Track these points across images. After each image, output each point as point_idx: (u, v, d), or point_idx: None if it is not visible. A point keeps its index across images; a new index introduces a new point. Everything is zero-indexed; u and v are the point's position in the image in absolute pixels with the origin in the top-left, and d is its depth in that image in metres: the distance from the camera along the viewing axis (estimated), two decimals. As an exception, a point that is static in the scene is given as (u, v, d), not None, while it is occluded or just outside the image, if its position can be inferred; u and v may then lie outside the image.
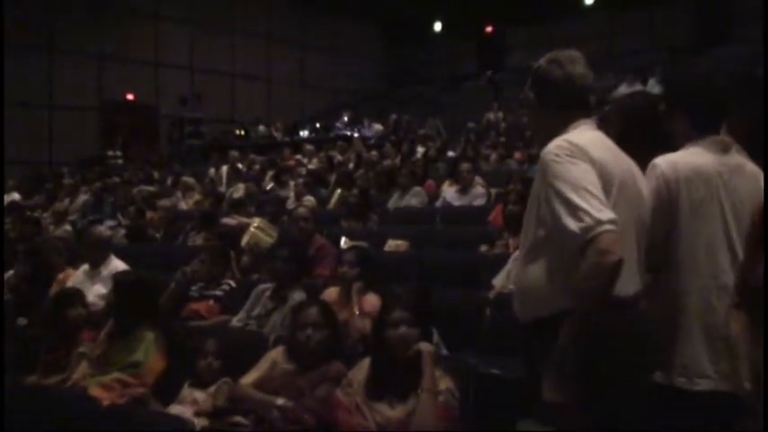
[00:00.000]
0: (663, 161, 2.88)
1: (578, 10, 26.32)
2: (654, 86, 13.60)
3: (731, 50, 19.08)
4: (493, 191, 9.53)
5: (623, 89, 15.54)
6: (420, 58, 30.89)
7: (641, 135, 3.19)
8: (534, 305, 2.55)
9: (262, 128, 23.74)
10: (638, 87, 15.14)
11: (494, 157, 13.38)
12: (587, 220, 2.33)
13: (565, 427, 2.32)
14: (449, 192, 9.58)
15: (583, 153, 2.49)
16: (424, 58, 30.76)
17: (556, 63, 2.75)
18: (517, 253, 5.70)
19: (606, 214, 2.35)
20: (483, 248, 6.72)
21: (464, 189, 9.34)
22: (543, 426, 2.37)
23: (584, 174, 2.44)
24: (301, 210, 7.19)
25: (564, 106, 2.72)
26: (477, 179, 9.79)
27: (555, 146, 2.53)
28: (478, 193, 9.31)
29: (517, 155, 13.00)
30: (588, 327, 2.32)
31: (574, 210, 2.37)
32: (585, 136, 2.61)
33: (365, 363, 3.53)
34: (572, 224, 2.36)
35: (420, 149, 15.35)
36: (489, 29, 29.36)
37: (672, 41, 22.32)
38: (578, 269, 2.32)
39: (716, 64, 15.48)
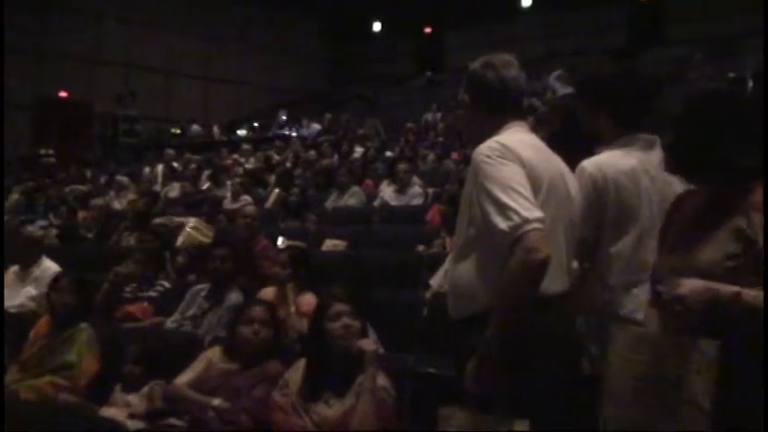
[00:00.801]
0: (589, 164, 2.94)
1: (516, 12, 26.61)
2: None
3: (665, 52, 19.50)
4: (430, 191, 9.57)
5: (560, 90, 15.79)
6: (360, 57, 30.90)
7: (577, 136, 3.24)
8: (465, 303, 2.58)
9: (196, 126, 23.46)
10: (572, 88, 15.38)
11: (431, 157, 13.44)
12: (515, 218, 2.38)
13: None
14: (387, 191, 9.59)
15: (513, 154, 2.53)
16: (363, 58, 30.78)
17: (490, 66, 2.80)
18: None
19: (534, 213, 2.39)
20: (420, 248, 6.75)
21: (402, 189, 9.36)
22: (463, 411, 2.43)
23: (513, 174, 2.49)
24: (249, 208, 7.15)
25: (496, 109, 2.76)
26: (415, 179, 9.82)
27: (486, 147, 2.57)
28: (416, 193, 9.35)
29: (454, 155, 13.07)
30: (514, 322, 2.36)
31: (503, 209, 2.42)
32: (516, 137, 2.65)
33: (301, 363, 3.52)
34: (501, 223, 2.40)
35: (359, 149, 15.35)
36: (428, 30, 29.49)
37: (607, 44, 22.72)
38: (506, 266, 2.37)
39: (647, 65, 15.83)
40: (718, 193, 2.28)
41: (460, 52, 26.00)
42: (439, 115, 18.63)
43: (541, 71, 19.39)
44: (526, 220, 2.37)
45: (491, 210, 2.44)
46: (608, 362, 2.26)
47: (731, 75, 13.71)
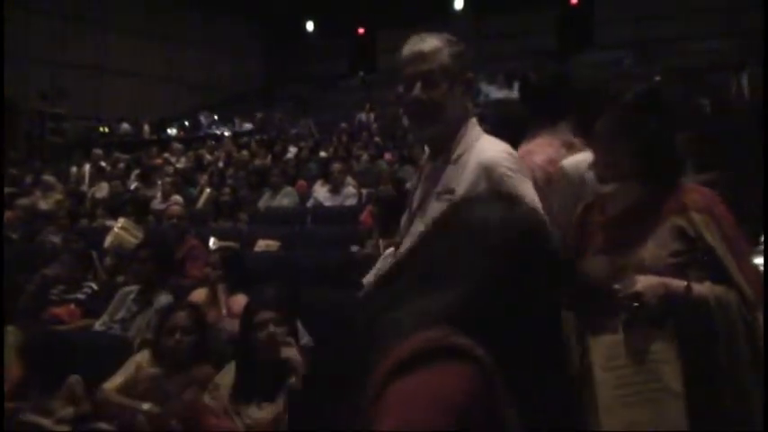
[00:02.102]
0: (568, 164, 2.95)
1: (448, 14, 26.80)
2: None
3: (594, 56, 19.87)
4: (364, 191, 9.58)
5: (493, 93, 15.96)
6: (293, 57, 30.78)
7: (511, 137, 3.28)
8: None
9: (125, 125, 23.07)
10: (505, 91, 15.58)
11: (365, 157, 13.45)
12: None
13: None
14: (320, 192, 9.57)
15: (524, 168, 2.54)
16: (297, 58, 30.67)
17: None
18: (389, 251, 5.76)
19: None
20: (354, 248, 6.73)
21: (335, 189, 9.35)
22: None
23: (533, 189, 2.47)
24: (175, 208, 7.05)
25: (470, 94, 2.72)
26: (349, 179, 9.82)
27: (503, 155, 2.50)
28: (350, 194, 9.35)
29: (388, 156, 13.11)
30: None
31: None
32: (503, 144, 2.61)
33: (233, 366, 3.48)
34: None
35: (292, 149, 15.28)
36: (361, 30, 29.53)
37: (538, 47, 23.04)
38: None
39: (577, 68, 16.09)
40: (653, 193, 2.30)
41: (393, 53, 26.06)
42: (372, 116, 18.67)
43: (475, 73, 19.52)
44: None
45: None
46: (591, 376, 2.26)
47: (657, 78, 14.03)
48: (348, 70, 28.04)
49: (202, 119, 22.69)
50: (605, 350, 2.22)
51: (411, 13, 25.65)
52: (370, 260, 5.96)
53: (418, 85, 2.50)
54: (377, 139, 15.68)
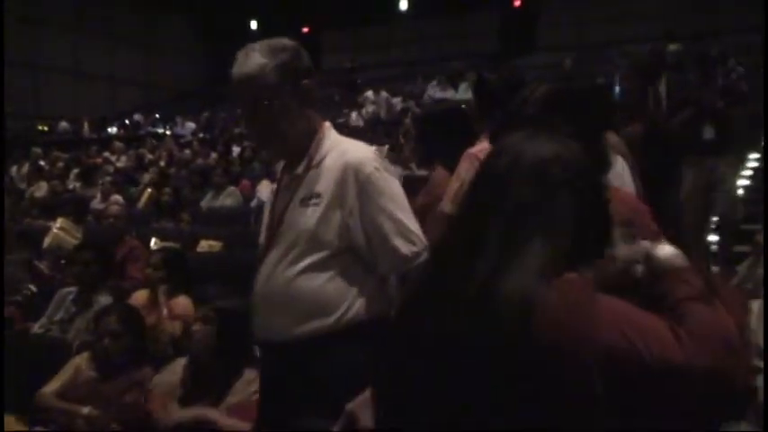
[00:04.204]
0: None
1: (392, 15, 26.87)
2: (466, 91, 14.08)
3: (536, 59, 20.09)
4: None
5: (437, 94, 16.03)
6: (236, 56, 30.54)
7: (449, 137, 3.31)
8: (325, 319, 2.35)
9: (64, 123, 22.66)
10: (450, 92, 15.67)
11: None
12: (418, 245, 2.34)
13: None
14: (264, 191, 9.51)
15: (391, 167, 2.47)
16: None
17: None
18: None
19: (424, 237, 2.37)
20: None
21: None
22: None
23: (402, 191, 2.41)
24: (114, 207, 6.94)
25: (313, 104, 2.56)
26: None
27: (369, 156, 2.43)
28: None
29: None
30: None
31: (405, 231, 2.35)
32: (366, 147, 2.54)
33: (178, 365, 3.46)
34: (404, 247, 2.33)
35: (236, 148, 15.18)
36: (305, 30, 29.43)
37: (481, 49, 23.23)
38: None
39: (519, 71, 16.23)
40: None
41: (337, 53, 26.11)
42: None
43: (417, 74, 19.67)
44: (425, 247, 2.32)
45: (390, 230, 2.33)
46: None
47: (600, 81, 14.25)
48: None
49: (144, 118, 22.39)
50: None
51: (355, 14, 25.70)
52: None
53: (249, 110, 2.40)
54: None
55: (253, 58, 2.39)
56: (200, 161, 13.47)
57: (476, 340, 1.29)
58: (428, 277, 1.51)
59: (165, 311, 4.64)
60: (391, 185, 2.39)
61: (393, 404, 1.45)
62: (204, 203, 9.77)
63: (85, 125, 22.56)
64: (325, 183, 2.38)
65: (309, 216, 2.38)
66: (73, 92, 26.22)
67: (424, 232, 2.43)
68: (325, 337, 2.34)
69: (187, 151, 14.92)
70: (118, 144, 17.02)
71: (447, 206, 2.98)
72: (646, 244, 1.48)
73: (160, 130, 20.63)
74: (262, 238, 2.60)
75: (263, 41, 2.46)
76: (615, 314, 1.29)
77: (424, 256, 2.30)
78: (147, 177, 12.33)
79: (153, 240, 6.73)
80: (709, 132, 6.58)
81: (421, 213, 3.14)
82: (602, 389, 1.23)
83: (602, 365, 1.23)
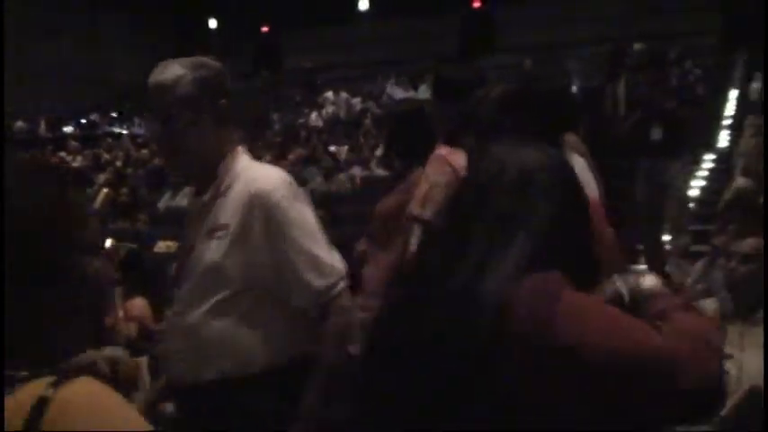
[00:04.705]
0: None
1: (353, 15, 26.85)
2: (425, 92, 14.12)
3: (496, 60, 20.18)
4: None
5: (397, 94, 16.05)
6: (195, 54, 30.28)
7: (428, 137, 3.29)
8: (234, 362, 2.23)
9: (20, 123, 22.28)
10: (411, 92, 15.70)
11: (268, 157, 13.34)
12: (332, 276, 2.23)
13: None
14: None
15: (301, 193, 2.34)
16: (199, 56, 30.19)
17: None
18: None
19: (341, 264, 2.28)
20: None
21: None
22: None
23: (314, 217, 2.29)
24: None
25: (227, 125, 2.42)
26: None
27: (280, 181, 2.29)
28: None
29: (291, 156, 13.03)
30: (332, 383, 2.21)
31: (317, 264, 2.22)
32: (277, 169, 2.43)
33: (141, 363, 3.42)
34: (317, 281, 2.21)
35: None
36: (265, 29, 29.29)
37: (441, 50, 23.28)
38: (326, 328, 2.22)
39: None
40: None
41: (297, 53, 26.02)
42: (276, 115, 18.56)
43: (377, 75, 19.67)
44: (341, 276, 2.24)
45: (302, 264, 2.19)
46: None
47: (559, 81, 14.37)
48: (252, 69, 27.74)
49: (100, 117, 22.10)
50: None
51: (316, 14, 25.63)
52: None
53: (161, 120, 2.28)
54: (279, 139, 15.58)
55: (171, 69, 2.32)
56: (157, 161, 13.32)
57: (455, 343, 1.30)
58: (411, 284, 1.51)
59: (120, 313, 4.58)
60: (302, 214, 2.24)
61: (376, 409, 1.45)
62: (161, 204, 9.67)
63: (42, 124, 22.21)
64: (231, 213, 2.24)
65: (215, 250, 2.23)
66: (29, 90, 25.80)
67: (398, 232, 2.39)
68: (230, 383, 2.20)
69: (144, 151, 14.75)
70: (74, 144, 16.79)
71: (416, 209, 2.94)
72: (631, 278, 1.51)
73: (117, 130, 20.38)
74: (173, 267, 2.46)
75: (187, 58, 2.41)
76: (589, 308, 1.31)
77: (341, 285, 2.22)
78: (103, 177, 12.18)
79: (109, 241, 6.63)
80: (657, 133, 6.64)
81: (396, 213, 3.12)
82: (572, 381, 1.24)
83: (572, 358, 1.24)
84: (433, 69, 15.49)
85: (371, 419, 1.46)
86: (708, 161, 9.94)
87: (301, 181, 8.89)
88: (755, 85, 12.34)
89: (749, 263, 3.47)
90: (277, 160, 13.07)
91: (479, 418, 1.28)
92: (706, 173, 9.63)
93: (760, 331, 3.43)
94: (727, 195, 6.45)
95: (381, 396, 1.43)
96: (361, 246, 4.70)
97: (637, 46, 10.46)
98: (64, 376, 1.03)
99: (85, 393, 1.03)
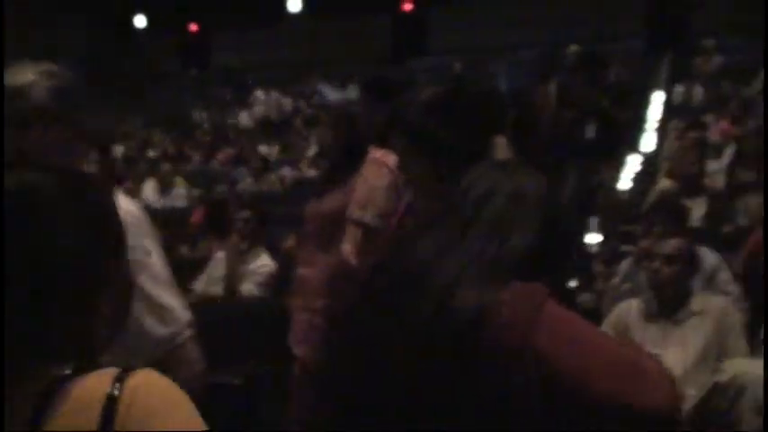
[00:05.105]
0: None
1: (283, 15, 26.67)
2: (353, 92, 14.11)
3: (427, 62, 20.30)
4: (196, 192, 9.38)
5: (329, 95, 16.01)
6: (122, 52, 29.74)
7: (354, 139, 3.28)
8: None
9: None
10: (342, 93, 15.68)
11: (197, 157, 13.17)
12: (176, 324, 2.10)
13: None
14: (149, 192, 9.28)
15: (150, 229, 2.18)
16: (127, 54, 29.65)
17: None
18: (221, 254, 5.66)
19: (186, 313, 2.15)
20: (184, 250, 6.57)
21: (165, 189, 9.10)
22: None
23: (162, 259, 2.14)
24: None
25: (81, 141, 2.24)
26: (180, 179, 9.59)
27: (129, 217, 1.98)
28: (180, 194, 9.12)
29: (220, 156, 12.89)
30: None
31: (160, 310, 2.07)
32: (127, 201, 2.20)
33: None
34: (158, 329, 2.06)
35: (119, 148, 14.75)
36: (194, 27, 28.91)
37: (373, 51, 23.29)
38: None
39: (411, 74, 16.41)
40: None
41: (227, 52, 25.79)
42: (205, 114, 18.34)
43: (308, 75, 19.59)
44: (186, 325, 2.11)
45: (142, 308, 1.99)
46: None
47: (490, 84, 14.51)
48: (180, 67, 27.35)
49: None
50: None
51: (245, 13, 25.39)
52: (201, 262, 5.84)
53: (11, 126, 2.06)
54: (207, 138, 15.39)
55: (23, 74, 2.09)
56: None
57: (432, 345, 1.31)
58: (381, 287, 1.50)
59: None
60: (148, 255, 2.08)
61: (349, 417, 1.45)
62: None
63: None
64: None
65: None
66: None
67: (339, 235, 2.34)
68: None
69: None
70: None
71: (356, 211, 2.92)
72: None
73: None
74: None
75: (40, 64, 2.16)
76: (570, 323, 1.34)
77: (186, 335, 2.11)
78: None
79: None
80: (591, 131, 6.73)
81: (338, 214, 3.09)
82: (545, 390, 1.26)
83: (548, 368, 1.26)
84: (362, 70, 15.50)
85: (343, 421, 1.46)
86: (634, 163, 10.14)
87: (231, 181, 8.79)
88: (679, 89, 12.62)
89: (672, 264, 3.54)
90: (206, 160, 12.93)
91: (457, 419, 1.29)
92: (632, 174, 9.82)
93: (682, 330, 3.51)
94: (652, 197, 6.59)
95: (351, 399, 1.43)
96: (289, 242, 4.64)
97: (572, 47, 10.63)
98: (124, 371, 1.05)
99: (153, 385, 1.05)
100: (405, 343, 1.34)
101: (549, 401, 1.26)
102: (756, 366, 2.91)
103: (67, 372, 1.05)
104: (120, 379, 1.03)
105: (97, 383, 1.03)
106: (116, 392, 1.01)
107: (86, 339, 1.13)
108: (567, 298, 1.51)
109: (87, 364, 1.08)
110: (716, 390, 2.96)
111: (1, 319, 1.03)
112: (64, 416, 1.01)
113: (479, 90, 3.07)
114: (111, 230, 1.20)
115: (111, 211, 1.23)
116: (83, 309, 1.12)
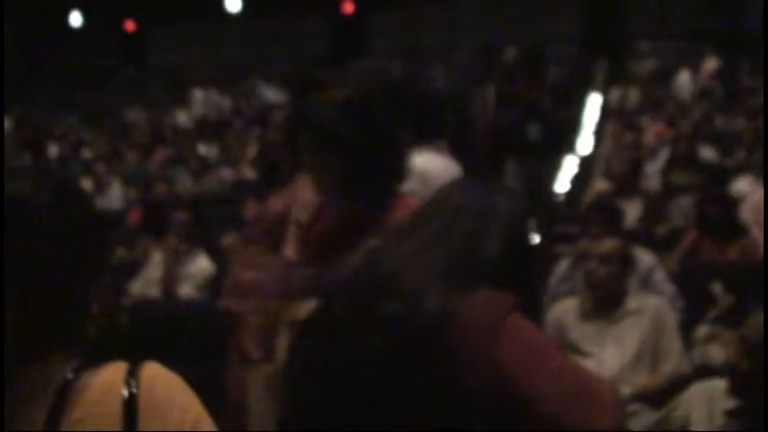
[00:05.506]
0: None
1: (222, 14, 26.43)
2: (294, 94, 14.04)
3: (366, 63, 20.33)
4: (132, 192, 9.25)
5: (269, 96, 15.92)
6: (58, 51, 29.16)
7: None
8: None
9: None
10: (281, 93, 15.59)
11: (134, 157, 12.96)
12: None
13: None
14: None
15: None
16: (62, 52, 29.07)
17: None
18: (158, 256, 5.58)
19: None
20: (120, 252, 6.46)
21: (100, 189, 8.97)
22: None
23: None
24: None
25: None
26: (115, 180, 9.46)
27: None
28: (116, 195, 9.00)
29: (158, 156, 12.71)
30: None
31: None
32: None
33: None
34: None
35: (53, 148, 14.46)
36: (132, 26, 28.49)
37: (312, 52, 23.24)
38: None
39: (350, 75, 16.42)
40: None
41: (165, 51, 25.48)
42: (142, 114, 18.10)
43: (247, 75, 19.46)
44: None
45: None
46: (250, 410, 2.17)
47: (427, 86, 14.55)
48: (117, 66, 26.92)
49: None
50: (265, 381, 2.21)
51: (184, 11, 25.11)
52: (138, 264, 5.77)
53: None
54: (144, 138, 15.16)
55: None
56: (13, 161, 12.74)
57: (395, 351, 1.32)
58: (344, 293, 1.51)
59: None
60: None
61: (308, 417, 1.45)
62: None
63: None
64: None
65: None
66: None
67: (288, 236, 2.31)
68: None
69: (0, 150, 14.09)
70: None
71: (299, 213, 2.90)
72: None
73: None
74: None
75: None
76: (525, 336, 1.34)
77: None
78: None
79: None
80: (534, 132, 6.78)
81: (284, 217, 3.06)
82: (493, 404, 1.27)
83: (496, 379, 1.27)
84: (302, 71, 15.43)
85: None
86: (570, 165, 10.27)
87: (168, 181, 8.68)
88: (615, 92, 12.85)
89: (608, 264, 3.59)
90: (142, 160, 12.73)
91: (412, 421, 1.30)
92: (569, 175, 9.94)
93: (618, 329, 3.57)
94: (588, 198, 6.69)
95: (311, 400, 1.43)
96: (227, 240, 4.59)
97: (510, 48, 10.70)
98: (133, 364, 1.11)
99: (163, 377, 1.11)
100: (366, 345, 1.35)
101: (500, 413, 1.27)
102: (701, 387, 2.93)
103: (75, 367, 1.09)
104: (132, 373, 1.08)
105: (111, 378, 1.08)
106: (134, 390, 1.06)
107: (81, 334, 1.17)
108: (535, 311, 1.52)
109: (92, 358, 1.12)
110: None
111: (1, 318, 1.06)
112: (82, 414, 1.04)
113: (410, 93, 3.06)
114: (94, 229, 1.24)
115: (93, 210, 1.30)
116: (76, 303, 1.15)
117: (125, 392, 1.06)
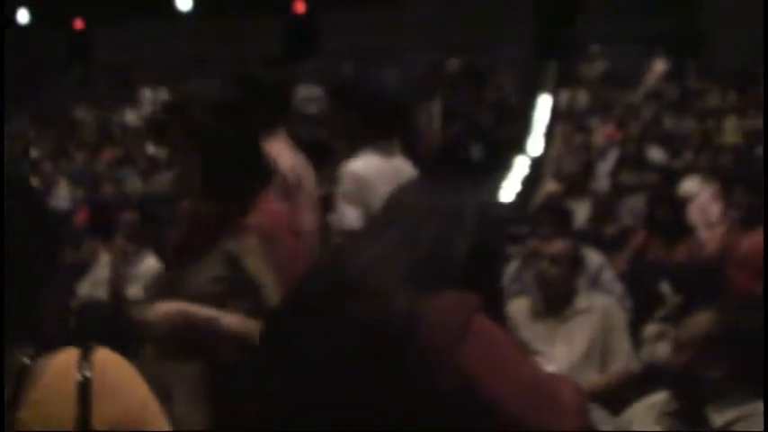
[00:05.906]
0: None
1: (170, 12, 26.15)
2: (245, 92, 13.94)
3: (317, 64, 20.27)
4: (80, 192, 9.12)
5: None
6: (5, 48, 28.62)
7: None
8: None
9: None
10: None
11: (81, 157, 12.76)
12: None
13: None
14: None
15: None
16: (9, 49, 28.54)
17: None
18: (106, 257, 5.51)
19: None
20: (67, 253, 6.36)
21: (47, 189, 8.83)
22: None
23: None
24: None
25: None
26: (62, 179, 9.32)
27: None
28: (63, 195, 8.87)
29: (106, 155, 12.53)
30: None
31: None
32: None
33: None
34: None
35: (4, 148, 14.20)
36: (80, 24, 28.09)
37: (263, 52, 23.11)
38: None
39: (302, 75, 16.33)
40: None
41: (110, 48, 25.17)
42: (90, 113, 17.85)
43: (198, 75, 19.29)
44: None
45: None
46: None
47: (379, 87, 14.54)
48: (65, 64, 26.50)
49: None
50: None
51: (130, 9, 24.82)
52: (85, 265, 5.70)
53: None
54: (92, 138, 14.94)
55: None
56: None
57: (363, 356, 1.32)
58: (306, 300, 1.49)
59: None
60: None
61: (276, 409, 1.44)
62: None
63: None
64: None
65: None
66: None
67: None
68: None
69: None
70: None
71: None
72: None
73: None
74: None
75: None
76: (490, 337, 1.34)
77: None
78: None
79: None
80: (477, 150, 6.80)
81: None
82: (457, 404, 1.26)
83: (460, 380, 1.27)
84: (251, 70, 15.29)
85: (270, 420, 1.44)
86: (520, 166, 10.34)
87: (116, 181, 8.57)
88: (564, 94, 12.98)
89: (558, 264, 3.62)
90: (90, 160, 12.54)
91: (378, 422, 1.30)
92: (519, 177, 10.01)
93: (567, 328, 3.61)
94: (538, 199, 6.74)
95: (280, 399, 1.42)
96: (174, 239, 4.52)
97: (453, 62, 10.72)
98: (85, 349, 1.17)
99: (115, 361, 1.20)
100: (334, 347, 1.35)
101: (469, 414, 1.27)
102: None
103: (31, 354, 1.14)
104: (85, 357, 1.15)
105: (65, 362, 1.14)
106: (87, 373, 1.12)
107: (39, 324, 1.22)
108: (499, 311, 1.52)
109: (46, 346, 1.17)
110: None
111: (1, 318, 1.11)
112: (40, 396, 1.10)
113: (361, 93, 3.05)
114: (49, 228, 1.28)
115: (47, 209, 1.38)
116: (36, 295, 1.21)
117: (78, 376, 1.12)
